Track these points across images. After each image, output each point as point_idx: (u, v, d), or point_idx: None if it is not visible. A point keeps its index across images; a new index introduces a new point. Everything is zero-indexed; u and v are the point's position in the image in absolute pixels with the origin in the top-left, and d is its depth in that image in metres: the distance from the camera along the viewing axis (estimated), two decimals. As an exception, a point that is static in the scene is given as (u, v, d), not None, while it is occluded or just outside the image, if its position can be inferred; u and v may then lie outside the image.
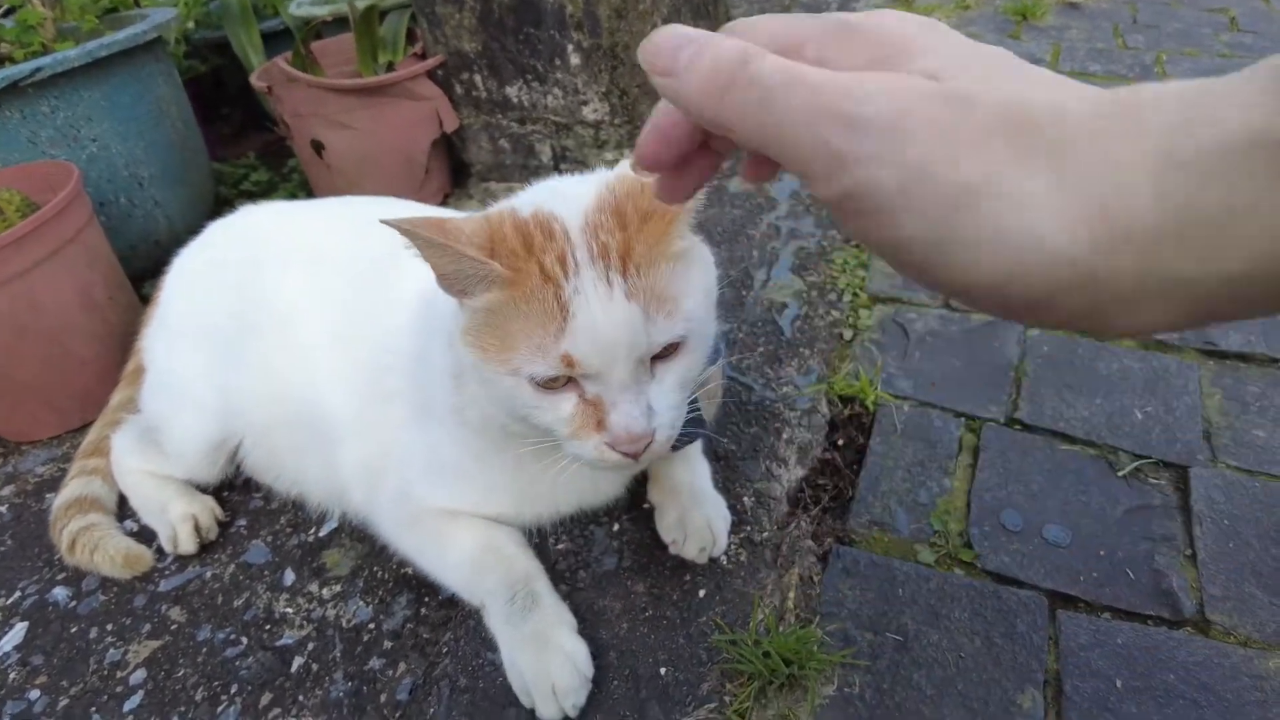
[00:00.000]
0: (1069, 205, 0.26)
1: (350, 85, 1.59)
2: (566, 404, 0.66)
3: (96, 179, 1.50)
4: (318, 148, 1.69)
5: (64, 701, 0.96)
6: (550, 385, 0.65)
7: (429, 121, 1.70)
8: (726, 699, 0.84)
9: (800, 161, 0.30)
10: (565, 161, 1.71)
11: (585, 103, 1.61)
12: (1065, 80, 0.29)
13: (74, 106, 1.45)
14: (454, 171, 1.86)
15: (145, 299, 1.48)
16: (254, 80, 1.70)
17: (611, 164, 1.65)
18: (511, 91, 1.65)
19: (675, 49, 0.33)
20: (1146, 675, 0.87)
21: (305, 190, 1.93)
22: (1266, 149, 0.23)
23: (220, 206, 1.84)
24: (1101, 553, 0.99)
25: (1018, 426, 1.16)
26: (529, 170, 1.77)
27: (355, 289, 1.04)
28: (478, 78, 1.66)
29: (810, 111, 0.29)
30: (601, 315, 0.61)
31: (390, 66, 1.67)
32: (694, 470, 1.01)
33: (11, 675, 0.99)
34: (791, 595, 0.94)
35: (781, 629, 0.89)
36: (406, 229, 0.60)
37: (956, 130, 0.27)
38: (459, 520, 0.95)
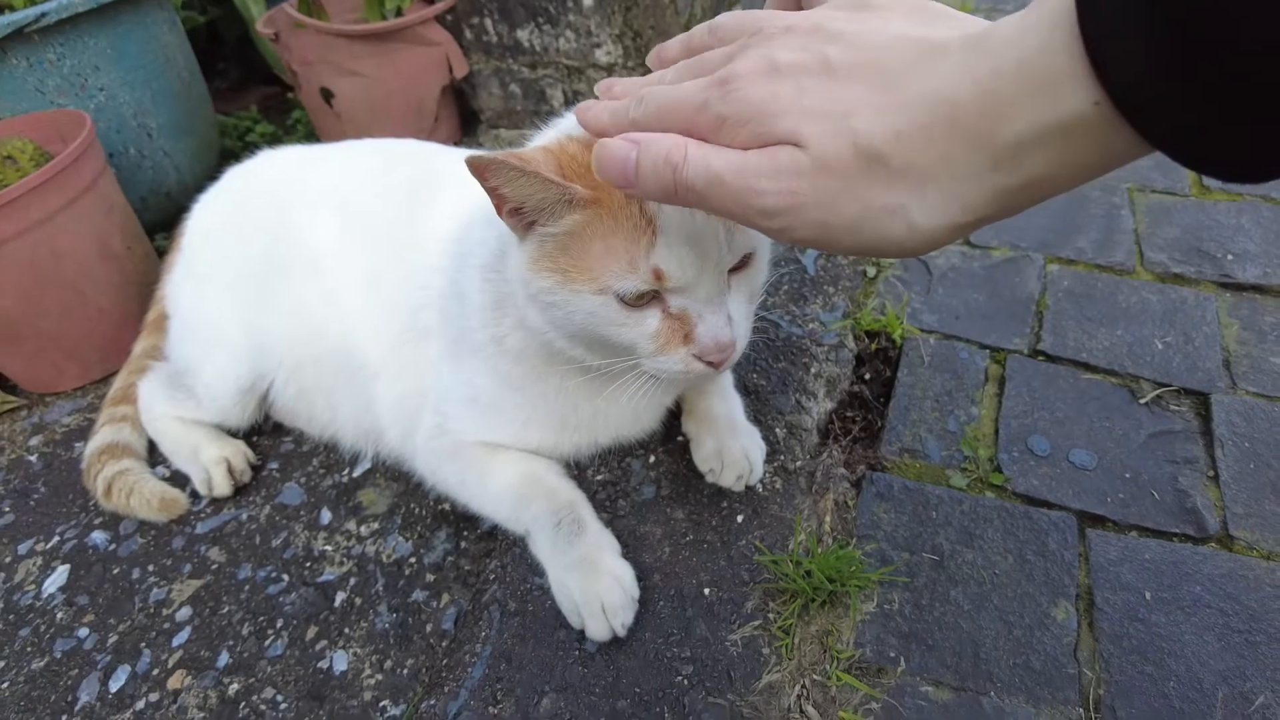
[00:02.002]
0: (932, 202, 0.37)
1: (360, 31, 1.57)
2: (651, 320, 0.67)
3: (105, 129, 1.47)
4: (327, 96, 1.67)
5: (113, 638, 0.98)
6: (635, 302, 0.66)
7: (439, 67, 1.67)
8: (770, 616, 0.87)
9: (742, 222, 0.44)
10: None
11: (598, 45, 1.59)
12: (892, 63, 0.38)
13: (80, 54, 1.42)
14: (463, 119, 1.84)
15: (160, 251, 1.48)
16: (260, 27, 1.67)
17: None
18: (522, 35, 1.63)
19: (621, 165, 0.45)
20: (1174, 587, 0.90)
21: (312, 140, 1.90)
22: (1048, 137, 0.34)
23: (226, 159, 1.82)
24: (1127, 475, 1.02)
25: (1041, 357, 1.18)
26: (540, 116, 1.75)
27: (383, 228, 1.04)
28: (488, 21, 1.64)
29: (737, 206, 0.42)
30: (689, 229, 0.61)
31: (399, 12, 1.64)
32: (729, 402, 1.02)
33: (59, 615, 1.01)
34: (828, 519, 0.96)
35: (821, 550, 0.91)
36: (491, 162, 0.60)
37: (829, 190, 0.39)
38: (499, 453, 0.96)
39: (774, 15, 0.46)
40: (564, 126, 0.73)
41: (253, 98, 2.27)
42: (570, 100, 1.70)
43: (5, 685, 0.94)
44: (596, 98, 0.57)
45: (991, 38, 0.35)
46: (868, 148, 0.37)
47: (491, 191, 0.63)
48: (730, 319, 0.68)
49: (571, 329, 0.71)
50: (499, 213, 0.67)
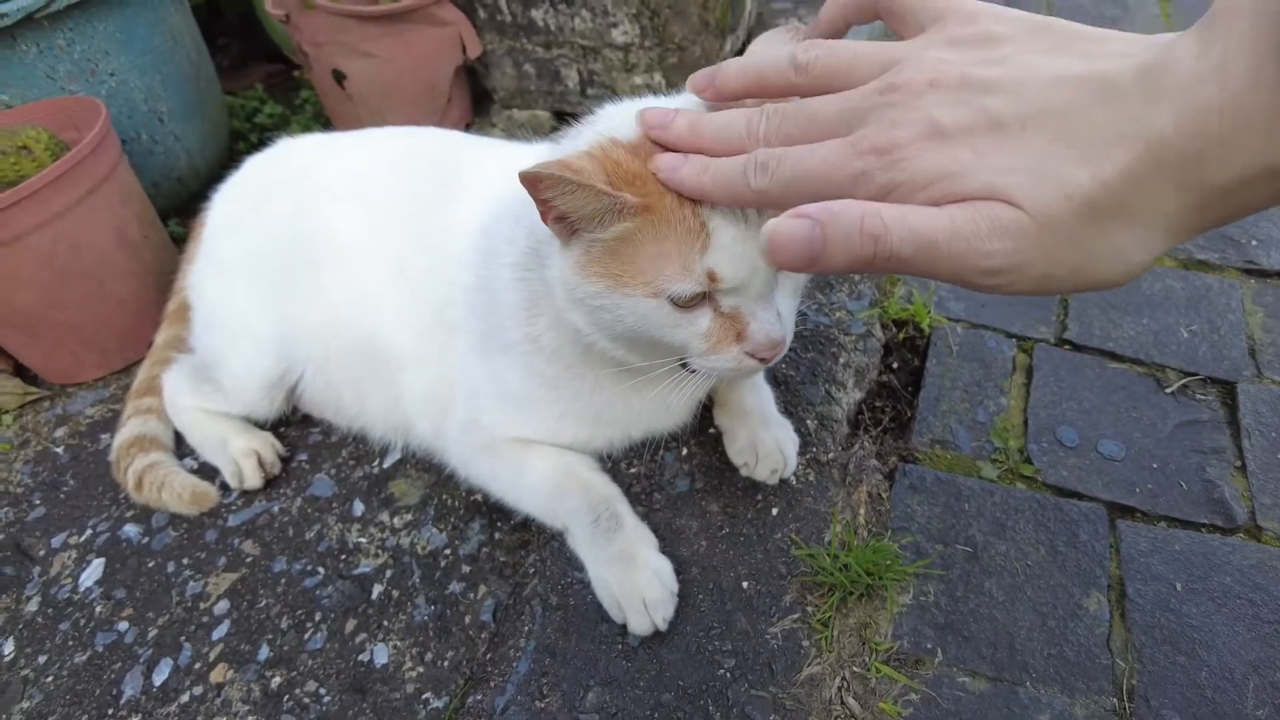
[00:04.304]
0: (1145, 240, 0.37)
1: (372, 11, 1.53)
2: (703, 320, 0.67)
3: (117, 115, 1.45)
4: (338, 77, 1.64)
5: (153, 632, 0.99)
6: (687, 304, 0.66)
7: (452, 48, 1.64)
8: (809, 609, 0.88)
9: (949, 282, 0.41)
10: (592, 86, 1.67)
11: (614, 24, 1.56)
12: (1086, 111, 0.37)
13: (90, 39, 1.39)
14: (476, 99, 1.82)
15: (174, 237, 1.46)
16: (269, 8, 1.64)
17: (641, 89, 1.62)
18: (537, 14, 1.60)
19: (806, 245, 0.39)
20: (1204, 578, 0.91)
21: (321, 122, 1.88)
22: (1266, 176, 0.33)
23: (235, 141, 1.80)
24: (1155, 465, 1.03)
25: (1068, 346, 1.18)
26: (554, 96, 1.72)
27: (409, 220, 1.03)
28: (502, 0, 1.61)
29: (952, 268, 0.38)
30: (741, 230, 0.61)
31: (409, -10, 1.60)
32: (761, 395, 1.02)
33: (97, 608, 1.02)
34: (862, 511, 0.97)
35: (857, 543, 0.92)
36: (545, 176, 0.59)
37: (1054, 246, 0.37)
38: (533, 448, 0.97)
39: (895, 57, 0.43)
40: (600, 126, 0.72)
41: (256, 76, 2.23)
42: (585, 80, 1.68)
43: (50, 679, 0.95)
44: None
45: (1173, 70, 0.34)
46: (1082, 200, 0.36)
47: (543, 202, 0.63)
48: (780, 315, 0.69)
49: (619, 331, 0.71)
50: (544, 219, 0.67)
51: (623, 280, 0.66)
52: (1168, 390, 1.11)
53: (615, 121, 0.71)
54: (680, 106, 0.60)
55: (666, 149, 0.57)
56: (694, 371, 0.75)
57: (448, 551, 1.03)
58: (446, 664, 0.92)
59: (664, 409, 0.95)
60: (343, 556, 1.04)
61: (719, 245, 0.62)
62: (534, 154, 0.98)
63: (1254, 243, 1.32)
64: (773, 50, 0.55)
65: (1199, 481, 1.00)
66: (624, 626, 0.87)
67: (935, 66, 0.41)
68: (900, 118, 0.40)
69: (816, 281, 1.27)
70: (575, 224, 0.66)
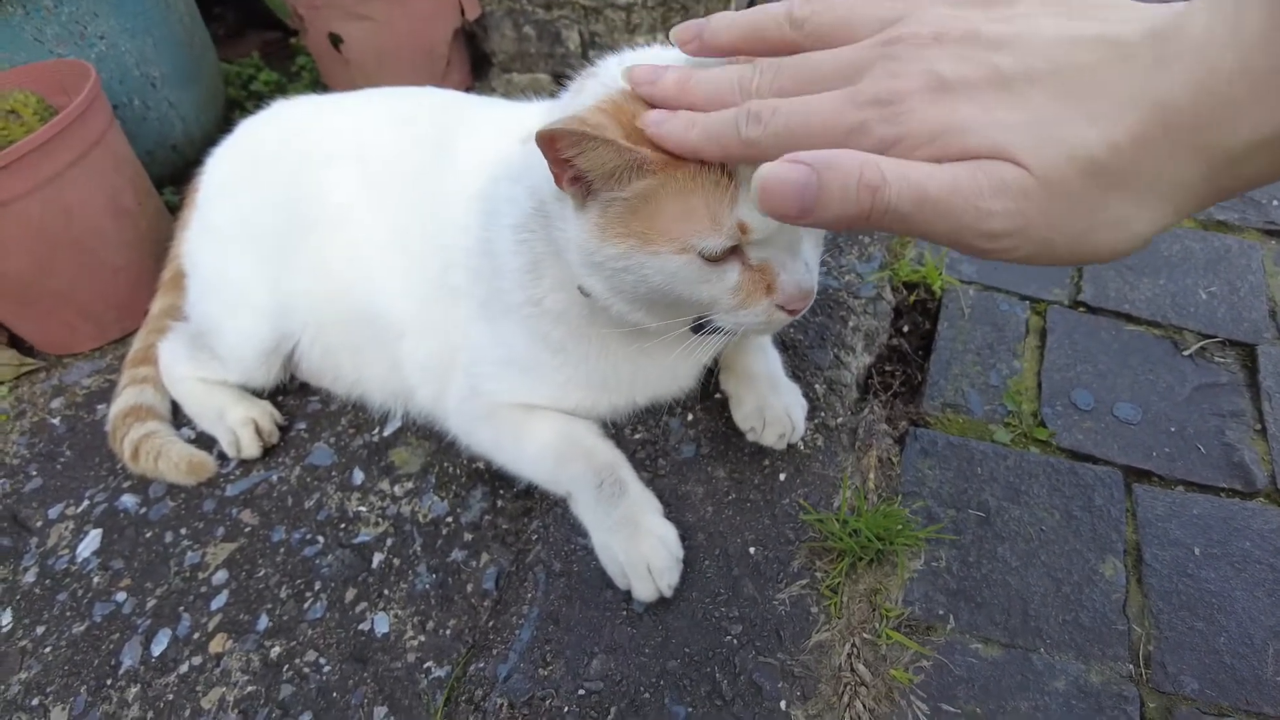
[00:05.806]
0: (1149, 211, 0.35)
1: (367, -29, 1.50)
2: (732, 274, 0.65)
3: (108, 80, 1.41)
4: (335, 41, 1.60)
5: (151, 602, 0.97)
6: (716, 258, 0.63)
7: (450, 9, 1.60)
8: (818, 574, 0.86)
9: (947, 245, 0.39)
10: (594, 48, 1.63)
11: (616, -16, 1.53)
12: (1093, 73, 0.35)
13: (78, 0, 1.35)
14: (475, 63, 1.78)
15: (170, 206, 1.44)
16: (262, -32, 1.60)
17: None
18: (537, -26, 1.56)
19: (799, 193, 0.37)
20: (1223, 543, 0.89)
21: (318, 88, 1.84)
22: (1265, 148, 0.32)
23: (232, 109, 1.76)
24: (1172, 429, 1.00)
25: (1082, 308, 1.15)
26: (554, 59, 1.68)
27: (407, 182, 1.00)
28: (500, -40, 1.57)
29: (950, 226, 0.37)
30: None
31: (406, -50, 1.56)
32: (768, 359, 1.00)
33: (95, 579, 1.00)
34: (872, 476, 0.95)
35: (867, 508, 0.90)
36: (564, 133, 0.56)
37: (1057, 210, 0.35)
38: (535, 414, 0.94)
39: (898, 13, 0.41)
40: (604, 78, 0.69)
41: (253, 44, 2.19)
42: (586, 42, 1.64)
43: (48, 650, 0.94)
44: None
45: (1185, 33, 0.32)
46: (1087, 161, 0.34)
47: (560, 162, 0.60)
48: (807, 264, 0.67)
49: (642, 292, 0.68)
50: (559, 182, 0.64)
51: (648, 239, 0.63)
52: (1185, 353, 1.08)
53: (618, 74, 0.68)
54: (674, 62, 0.57)
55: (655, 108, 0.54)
56: (706, 334, 0.73)
57: (449, 519, 1.01)
58: (448, 632, 0.90)
59: (670, 374, 0.92)
60: (342, 525, 1.03)
61: (748, 197, 0.60)
62: (535, 112, 0.95)
63: (1275, 203, 1.28)
64: (767, 5, 0.52)
65: (1218, 445, 0.98)
66: (629, 593, 0.85)
67: (941, 21, 0.39)
68: (902, 69, 0.38)
69: (826, 244, 1.23)
70: (592, 184, 0.63)
